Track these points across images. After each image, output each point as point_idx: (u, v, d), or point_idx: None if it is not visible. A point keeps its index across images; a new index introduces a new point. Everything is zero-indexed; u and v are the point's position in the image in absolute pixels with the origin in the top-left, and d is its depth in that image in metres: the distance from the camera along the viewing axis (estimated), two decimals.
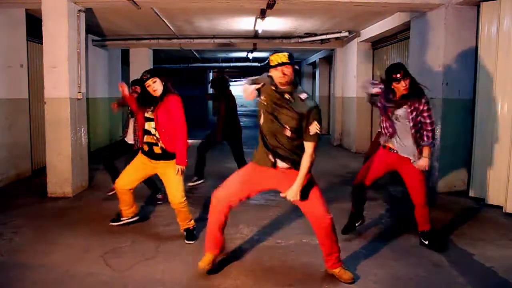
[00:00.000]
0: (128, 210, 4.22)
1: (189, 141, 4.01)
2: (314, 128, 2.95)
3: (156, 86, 3.80)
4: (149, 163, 3.94)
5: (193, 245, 3.83)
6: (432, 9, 5.78)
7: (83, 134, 5.86)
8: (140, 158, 4.00)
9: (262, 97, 3.08)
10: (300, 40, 9.36)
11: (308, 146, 2.97)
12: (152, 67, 11.25)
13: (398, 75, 3.54)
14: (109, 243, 3.87)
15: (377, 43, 8.99)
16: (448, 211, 4.91)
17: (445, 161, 5.73)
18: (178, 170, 3.79)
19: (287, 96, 2.96)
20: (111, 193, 5.45)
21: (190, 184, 6.04)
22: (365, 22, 8.16)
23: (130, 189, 4.05)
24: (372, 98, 3.89)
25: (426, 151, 3.59)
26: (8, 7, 6.10)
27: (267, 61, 3.10)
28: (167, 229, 4.28)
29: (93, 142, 9.37)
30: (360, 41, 9.23)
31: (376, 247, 3.81)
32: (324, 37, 9.00)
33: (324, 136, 13.16)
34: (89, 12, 6.45)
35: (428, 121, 3.57)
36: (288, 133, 2.96)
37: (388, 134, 3.71)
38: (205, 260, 3.22)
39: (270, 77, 3.01)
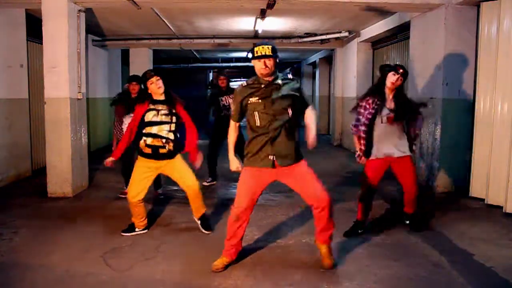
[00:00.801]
0: (142, 222, 4.13)
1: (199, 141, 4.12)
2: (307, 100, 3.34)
3: (160, 84, 3.92)
4: (153, 165, 3.96)
5: (193, 245, 3.83)
6: (432, 9, 5.78)
7: (83, 134, 5.86)
8: (143, 163, 3.96)
9: (252, 99, 3.17)
10: (300, 40, 9.36)
11: (309, 108, 3.33)
12: (152, 67, 11.26)
13: (401, 70, 3.77)
14: (109, 243, 3.87)
15: (377, 43, 9.00)
16: (448, 211, 4.91)
17: (445, 161, 5.73)
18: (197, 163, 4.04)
19: (274, 85, 3.16)
20: (123, 195, 5.28)
21: (205, 183, 6.11)
22: (365, 22, 8.16)
23: (142, 200, 4.02)
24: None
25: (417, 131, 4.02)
26: (8, 7, 6.10)
27: (249, 52, 3.23)
28: (167, 229, 4.28)
29: (93, 142, 9.38)
30: (360, 41, 9.23)
31: (376, 247, 3.81)
32: (324, 37, 9.00)
33: (324, 136, 13.18)
34: (89, 12, 6.45)
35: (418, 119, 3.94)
36: (289, 113, 3.15)
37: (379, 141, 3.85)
38: (222, 262, 3.32)
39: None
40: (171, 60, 15.39)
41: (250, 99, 3.16)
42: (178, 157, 4.02)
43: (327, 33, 8.96)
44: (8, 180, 6.19)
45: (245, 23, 8.20)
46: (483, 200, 5.21)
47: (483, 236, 4.09)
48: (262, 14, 7.07)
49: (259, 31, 8.73)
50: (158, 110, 3.92)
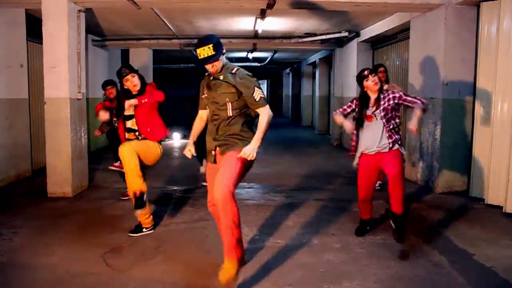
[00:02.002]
0: (148, 218, 4.10)
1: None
2: (257, 94, 3.03)
3: (136, 81, 3.99)
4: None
5: (193, 245, 3.83)
6: (432, 9, 5.78)
7: (83, 134, 5.86)
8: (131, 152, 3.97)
9: (205, 92, 3.19)
10: (300, 40, 9.36)
11: (261, 111, 3.08)
12: (152, 67, 11.26)
13: (365, 72, 3.89)
14: (109, 243, 3.87)
15: (377, 43, 9.00)
16: (448, 211, 4.91)
17: (445, 161, 5.73)
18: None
19: (220, 77, 3.07)
20: (126, 198, 5.26)
21: (204, 184, 6.11)
22: (365, 22, 8.15)
23: (145, 189, 4.02)
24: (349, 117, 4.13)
25: (418, 112, 3.72)
26: (8, 7, 6.10)
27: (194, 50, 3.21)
28: (167, 229, 4.28)
29: (93, 142, 9.38)
30: (360, 41, 9.23)
31: (376, 247, 3.81)
32: (324, 37, 9.00)
33: (324, 136, 13.18)
34: (89, 12, 6.45)
35: (413, 98, 3.81)
36: (229, 110, 3.05)
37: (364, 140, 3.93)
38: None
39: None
40: (171, 60, 15.38)
41: (205, 91, 3.20)
42: (146, 142, 4.04)
43: (327, 33, 8.96)
44: (8, 180, 6.19)
45: (245, 23, 8.20)
46: (483, 200, 5.21)
47: (483, 236, 4.09)
48: (262, 14, 7.07)
49: (259, 31, 8.73)
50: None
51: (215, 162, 3.18)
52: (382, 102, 3.86)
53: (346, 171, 7.34)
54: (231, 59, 15.97)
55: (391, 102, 3.84)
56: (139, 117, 4.08)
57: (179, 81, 18.91)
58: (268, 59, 14.82)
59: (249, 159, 2.99)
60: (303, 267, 3.38)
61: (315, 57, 14.20)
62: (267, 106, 3.09)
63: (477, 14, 5.47)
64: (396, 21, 7.14)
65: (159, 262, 3.47)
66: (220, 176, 2.94)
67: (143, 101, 3.98)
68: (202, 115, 3.39)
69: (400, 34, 7.65)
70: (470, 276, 3.23)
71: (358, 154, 4.00)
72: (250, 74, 3.12)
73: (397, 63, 8.04)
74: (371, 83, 3.86)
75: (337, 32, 8.84)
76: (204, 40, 2.98)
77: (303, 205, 5.16)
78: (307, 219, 4.60)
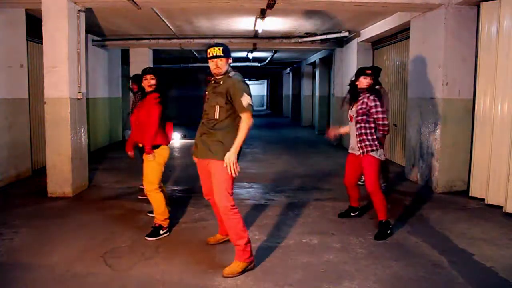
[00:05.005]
0: (164, 216, 4.08)
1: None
2: (245, 100, 3.20)
3: (152, 82, 4.12)
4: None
5: (193, 245, 3.83)
6: (432, 9, 5.78)
7: (83, 134, 5.86)
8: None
9: (207, 93, 3.42)
10: (300, 40, 9.36)
11: (243, 117, 3.22)
12: (152, 67, 11.25)
13: (369, 71, 4.14)
14: (109, 243, 3.87)
15: (377, 43, 8.99)
16: (448, 211, 4.91)
17: (445, 161, 5.73)
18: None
19: (219, 81, 3.31)
20: (142, 197, 5.27)
21: None
22: (365, 22, 8.15)
23: (161, 186, 4.18)
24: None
25: (382, 141, 4.16)
26: (8, 7, 6.10)
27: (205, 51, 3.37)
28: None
29: (93, 142, 9.38)
30: (360, 41, 9.23)
31: (376, 247, 3.81)
32: (324, 37, 8.99)
33: (324, 136, 13.18)
34: (89, 12, 6.45)
35: (379, 116, 4.02)
36: (216, 112, 3.24)
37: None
38: (215, 238, 3.79)
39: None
40: (171, 60, 15.38)
41: (207, 93, 3.42)
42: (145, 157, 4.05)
43: (327, 33, 8.95)
44: (8, 180, 6.19)
45: (245, 23, 8.20)
46: (483, 200, 5.21)
47: (483, 236, 4.09)
48: (262, 14, 7.07)
49: (259, 31, 8.73)
50: None
51: (197, 156, 3.43)
52: (357, 104, 4.07)
53: None
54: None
55: (364, 106, 4.03)
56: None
57: (179, 81, 18.90)
58: (268, 59, 14.82)
59: (232, 173, 3.19)
60: (303, 267, 3.38)
61: (315, 57, 14.20)
62: (250, 114, 3.22)
63: (477, 14, 5.47)
64: (396, 21, 7.14)
65: (159, 262, 3.46)
66: (216, 189, 3.24)
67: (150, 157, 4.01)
68: None
69: (400, 34, 7.65)
70: (470, 276, 3.23)
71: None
72: (244, 80, 3.34)
73: (397, 63, 8.04)
74: (364, 82, 4.07)
75: (337, 32, 8.83)
76: (217, 44, 3.33)
77: (303, 205, 5.16)
78: (307, 219, 4.60)
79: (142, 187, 5.07)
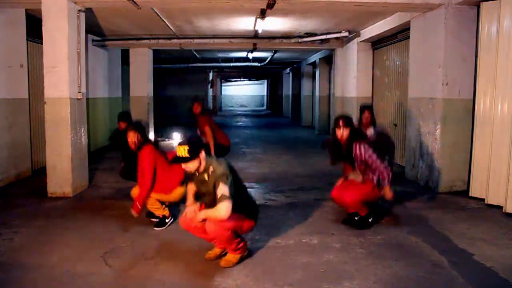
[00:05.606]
0: (165, 209, 4.32)
1: None
2: (220, 191, 3.10)
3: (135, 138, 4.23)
4: None
5: (193, 245, 3.83)
6: (432, 9, 5.78)
7: (83, 134, 5.86)
8: None
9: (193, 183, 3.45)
10: (300, 40, 9.35)
11: (219, 206, 3.09)
12: (152, 67, 11.26)
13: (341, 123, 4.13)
14: (109, 243, 3.87)
15: (377, 43, 8.99)
16: (448, 211, 4.91)
17: (445, 161, 5.73)
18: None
19: (204, 176, 3.23)
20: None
21: None
22: (365, 22, 8.15)
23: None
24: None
25: (385, 188, 4.15)
26: (8, 7, 6.10)
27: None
28: (167, 229, 4.28)
29: (93, 142, 9.38)
30: (360, 41, 9.23)
31: (376, 247, 3.81)
32: (324, 37, 8.99)
33: (324, 136, 13.17)
34: (89, 12, 6.45)
35: (373, 165, 4.07)
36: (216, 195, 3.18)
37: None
38: (214, 252, 3.56)
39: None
40: (171, 60, 15.38)
41: (193, 181, 3.43)
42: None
43: (327, 33, 8.95)
44: (8, 180, 6.19)
45: (245, 23, 8.20)
46: (483, 200, 5.21)
47: (483, 236, 4.09)
48: (262, 14, 7.07)
49: (259, 31, 8.73)
50: None
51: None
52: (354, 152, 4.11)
53: None
54: (231, 59, 15.98)
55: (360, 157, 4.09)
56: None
57: (179, 81, 18.91)
58: (268, 59, 14.82)
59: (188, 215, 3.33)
60: (303, 267, 3.38)
61: (315, 57, 14.20)
62: (227, 204, 3.07)
63: (477, 14, 5.46)
64: (396, 21, 7.14)
65: (159, 262, 3.47)
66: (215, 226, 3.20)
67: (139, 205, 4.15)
68: (192, 187, 3.55)
69: (400, 34, 7.64)
70: (470, 276, 3.23)
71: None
72: (222, 171, 3.17)
73: (397, 63, 8.04)
74: (340, 134, 4.13)
75: (337, 32, 8.83)
76: (182, 142, 3.20)
77: (303, 205, 5.16)
78: (307, 219, 4.60)
79: None
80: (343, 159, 4.28)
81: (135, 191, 4.32)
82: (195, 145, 3.17)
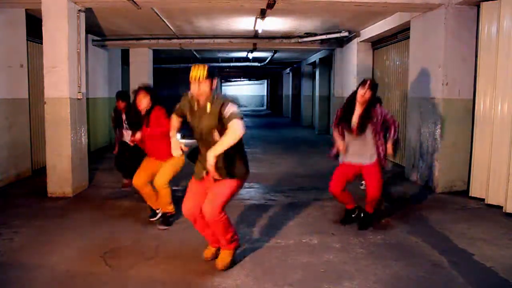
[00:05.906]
0: (171, 205, 4.37)
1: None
2: (228, 110, 2.93)
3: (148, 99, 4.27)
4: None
5: (193, 245, 3.83)
6: (432, 9, 5.78)
7: (83, 134, 5.86)
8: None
9: (188, 114, 3.22)
10: (300, 40, 9.35)
11: (230, 124, 2.91)
12: (152, 67, 11.26)
13: (368, 82, 4.08)
14: (109, 243, 3.87)
15: (377, 43, 8.99)
16: (448, 211, 4.91)
17: (445, 161, 5.73)
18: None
19: (207, 108, 3.05)
20: (125, 188, 5.88)
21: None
22: (365, 22, 8.15)
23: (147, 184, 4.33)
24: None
25: (390, 142, 4.17)
26: (8, 7, 6.10)
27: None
28: (167, 229, 4.27)
29: (93, 142, 9.38)
30: (360, 41, 9.23)
31: (376, 247, 3.81)
32: (324, 37, 8.99)
33: (324, 136, 13.17)
34: (89, 12, 6.45)
35: (391, 120, 4.14)
36: (216, 135, 3.04)
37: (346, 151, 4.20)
38: (211, 251, 3.51)
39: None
40: (171, 60, 15.38)
41: (187, 112, 3.22)
42: (168, 160, 4.20)
43: (327, 33, 8.95)
44: (8, 180, 6.19)
45: (245, 23, 8.20)
46: (483, 200, 5.21)
47: (483, 236, 4.09)
48: (262, 14, 7.07)
49: (259, 31, 8.73)
50: None
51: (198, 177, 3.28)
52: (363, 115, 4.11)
53: None
54: (231, 59, 15.97)
55: (377, 120, 4.09)
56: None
57: (179, 81, 18.89)
58: (268, 59, 14.82)
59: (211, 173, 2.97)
60: (303, 267, 3.38)
61: (315, 57, 14.20)
62: (239, 121, 2.90)
63: (477, 14, 5.47)
64: (396, 21, 7.14)
65: (159, 262, 3.47)
66: (211, 195, 3.11)
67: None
68: (175, 117, 3.39)
69: (400, 34, 7.65)
70: (470, 276, 3.23)
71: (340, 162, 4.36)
72: (230, 99, 3.06)
73: (397, 63, 8.04)
74: (364, 92, 4.04)
75: (337, 32, 8.82)
76: (200, 64, 3.07)
77: (303, 205, 5.16)
78: (307, 219, 4.60)
79: (126, 181, 5.86)
80: (351, 121, 4.11)
81: (136, 180, 4.27)
82: (213, 69, 3.08)
